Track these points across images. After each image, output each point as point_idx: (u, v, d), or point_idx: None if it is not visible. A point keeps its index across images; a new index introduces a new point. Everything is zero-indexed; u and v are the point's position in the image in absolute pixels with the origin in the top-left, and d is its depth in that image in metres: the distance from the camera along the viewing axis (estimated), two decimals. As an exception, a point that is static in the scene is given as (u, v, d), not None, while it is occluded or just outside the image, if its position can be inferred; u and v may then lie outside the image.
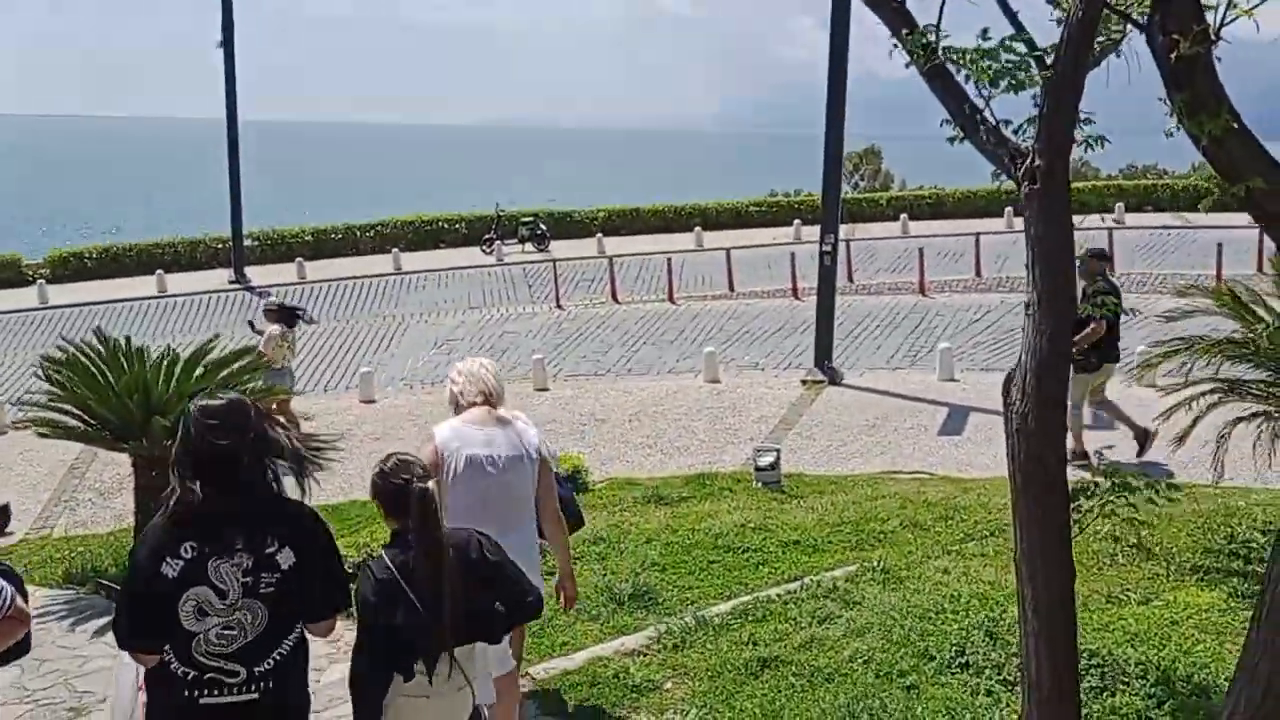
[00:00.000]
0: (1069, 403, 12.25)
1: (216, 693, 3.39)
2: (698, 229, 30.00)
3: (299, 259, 27.88)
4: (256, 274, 27.47)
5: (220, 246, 28.99)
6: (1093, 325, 9.84)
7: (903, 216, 29.34)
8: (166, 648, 3.38)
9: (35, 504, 12.43)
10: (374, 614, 3.57)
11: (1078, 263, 10.27)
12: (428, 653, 3.56)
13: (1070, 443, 10.03)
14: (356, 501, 11.44)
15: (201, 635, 3.36)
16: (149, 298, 25.77)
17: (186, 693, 3.38)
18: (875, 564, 7.58)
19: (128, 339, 9.66)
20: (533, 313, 22.31)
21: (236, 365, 9.78)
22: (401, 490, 3.69)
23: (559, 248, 28.52)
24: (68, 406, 9.32)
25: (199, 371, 9.64)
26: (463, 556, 3.70)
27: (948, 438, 12.11)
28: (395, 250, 28.53)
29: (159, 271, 27.09)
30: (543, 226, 30.01)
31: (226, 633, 3.38)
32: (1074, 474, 10.20)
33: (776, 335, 18.64)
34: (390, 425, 14.68)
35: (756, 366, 16.89)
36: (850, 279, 22.25)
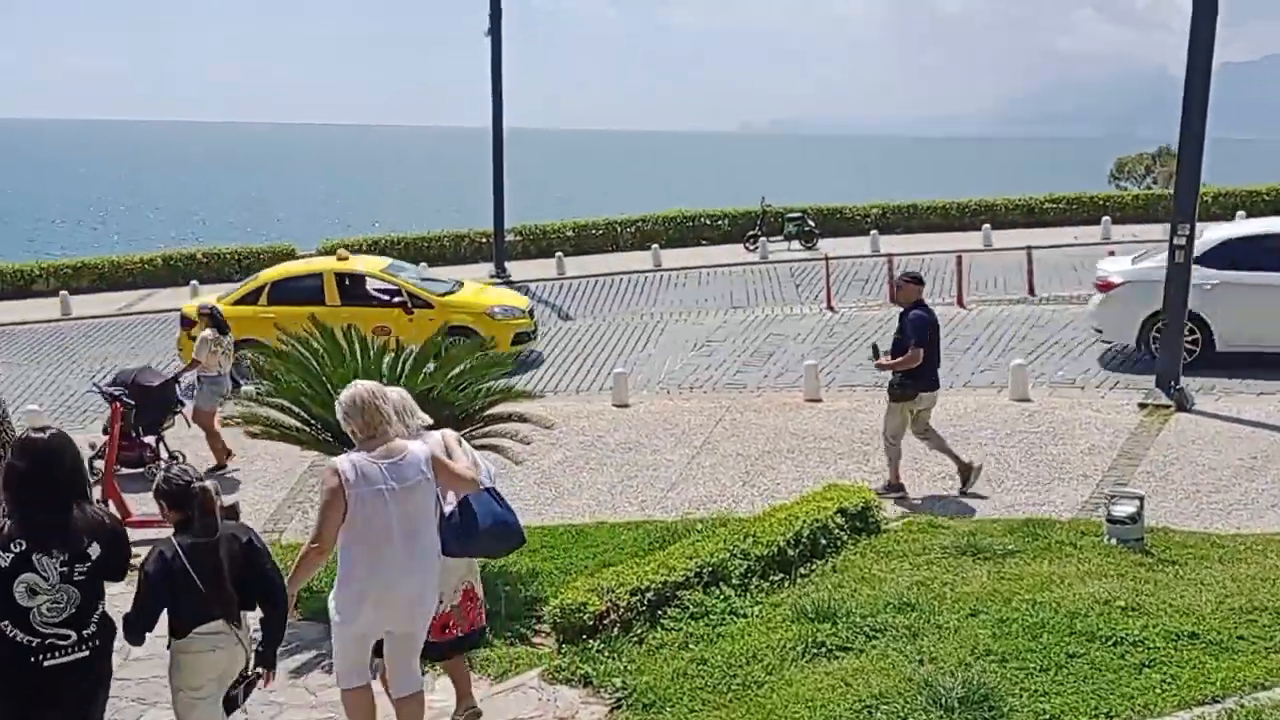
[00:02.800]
0: (886, 434, 10.19)
1: (56, 655, 4.38)
2: (985, 227, 27.06)
3: (558, 254, 26.98)
4: (517, 269, 26.76)
5: (484, 241, 28.53)
6: (910, 351, 9.69)
7: (1240, 214, 25.35)
8: (7, 621, 4.30)
9: (269, 503, 11.49)
10: (153, 584, 4.62)
11: (895, 286, 10.76)
12: (207, 617, 4.68)
13: (888, 475, 10.18)
14: (604, 524, 9.80)
15: (34, 609, 4.32)
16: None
17: (31, 658, 4.33)
18: (1336, 685, 5.14)
19: (352, 327, 8.36)
20: (801, 314, 20.26)
21: (470, 362, 8.29)
22: (185, 489, 4.72)
23: (828, 246, 26.31)
24: (282, 403, 8.09)
25: (429, 368, 8.21)
26: (232, 543, 4.77)
27: (1367, 489, 9.25)
28: (655, 247, 27.16)
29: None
30: (811, 223, 27.90)
31: (55, 606, 4.35)
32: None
33: (1093, 348, 15.80)
34: (645, 433, 13.04)
35: (1073, 384, 14.22)
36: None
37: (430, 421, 5.89)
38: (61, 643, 4.37)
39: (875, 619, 6.68)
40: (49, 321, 23.47)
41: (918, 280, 10.20)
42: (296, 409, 8.01)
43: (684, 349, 18.29)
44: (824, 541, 8.12)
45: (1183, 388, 12.45)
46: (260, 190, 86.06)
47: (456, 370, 8.27)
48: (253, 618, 4.96)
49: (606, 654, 6.61)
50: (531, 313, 18.33)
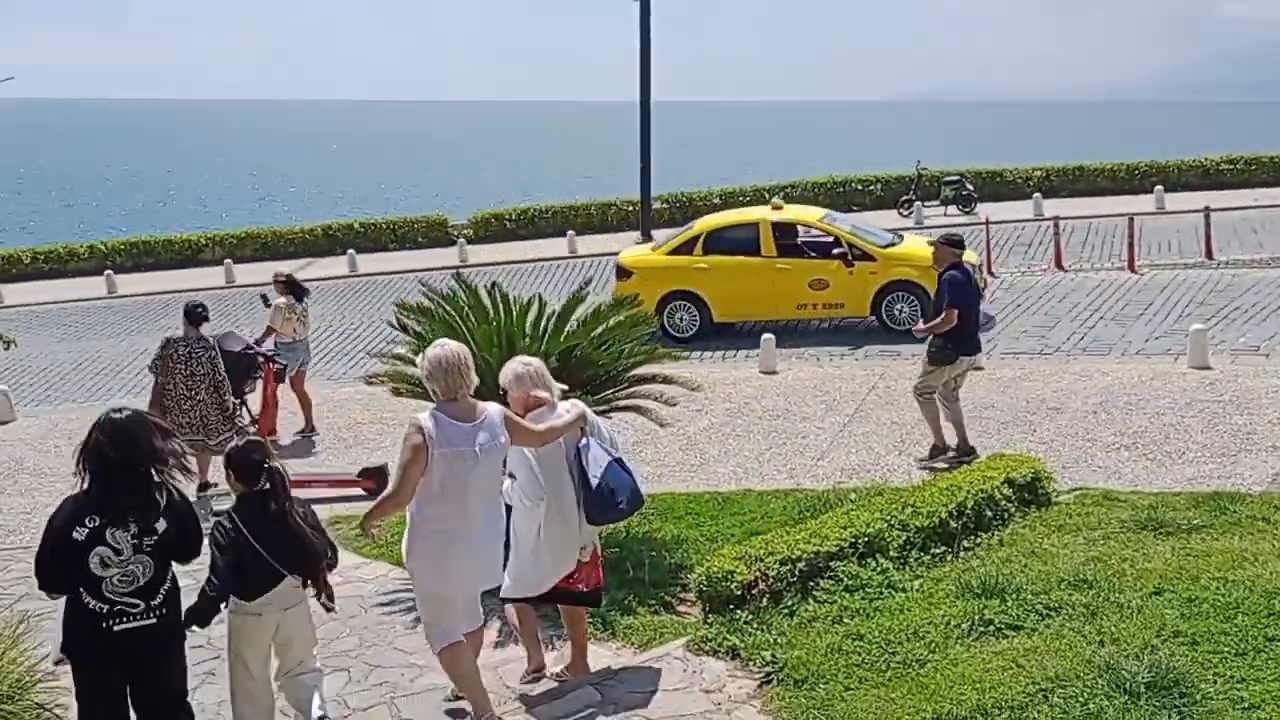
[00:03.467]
0: (935, 398, 9.88)
1: (124, 620, 4.65)
2: (1158, 189, 25.51)
3: (704, 221, 26.63)
4: (663, 237, 26.48)
5: (630, 209, 28.42)
6: (944, 313, 9.58)
7: None
8: (82, 589, 4.60)
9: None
10: (224, 555, 5.02)
11: (930, 249, 10.52)
12: (267, 587, 5.09)
13: (951, 438, 9.91)
14: (751, 492, 9.47)
15: (107, 579, 4.60)
16: (559, 258, 25.51)
17: (102, 624, 4.62)
18: None
19: (495, 284, 8.20)
20: (960, 280, 19.41)
21: (612, 321, 8.04)
22: (259, 465, 5.13)
23: (987, 210, 25.19)
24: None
25: (570, 327, 8.00)
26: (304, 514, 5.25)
27: None
28: (805, 213, 26.53)
29: (570, 233, 26.87)
30: (969, 186, 26.78)
31: (125, 578, 4.63)
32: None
33: (1278, 314, 14.65)
34: (793, 400, 12.63)
35: (1258, 351, 13.17)
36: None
37: (564, 389, 5.99)
38: (130, 610, 4.63)
39: (1048, 596, 6.19)
40: (213, 289, 24.31)
41: (952, 242, 10.02)
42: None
43: (835, 315, 17.73)
44: (989, 513, 7.61)
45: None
46: (407, 164, 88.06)
47: (600, 329, 8.03)
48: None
49: (755, 625, 6.30)
50: (981, 268, 16.26)
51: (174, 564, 4.81)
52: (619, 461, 5.81)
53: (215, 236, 28.93)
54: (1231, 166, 27.74)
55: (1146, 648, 5.38)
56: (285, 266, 27.19)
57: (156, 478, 4.71)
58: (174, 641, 4.86)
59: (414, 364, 8.09)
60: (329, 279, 24.32)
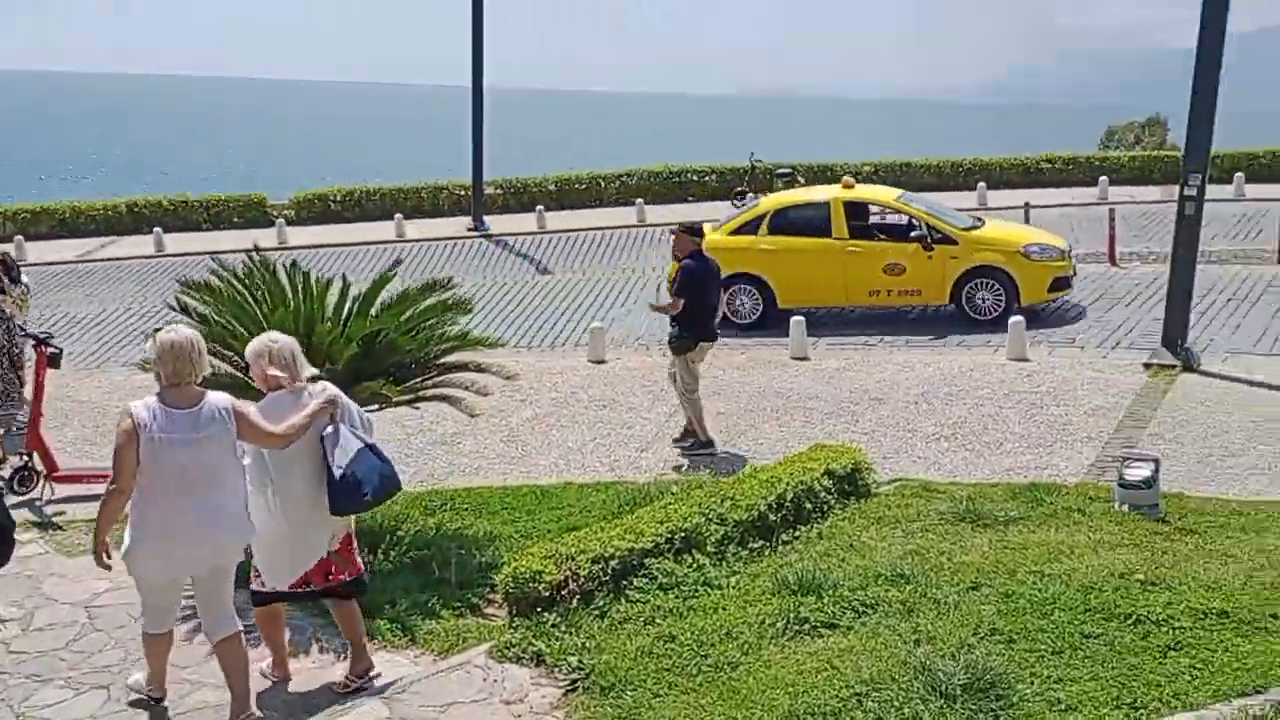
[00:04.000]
0: (682, 389, 10.00)
1: None
2: (981, 185, 26.28)
3: (539, 208, 26.12)
4: (496, 223, 25.92)
5: (463, 194, 27.64)
6: (671, 300, 9.76)
7: (1237, 177, 24.54)
8: None
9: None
10: None
11: (671, 238, 10.40)
12: None
13: (694, 427, 9.94)
14: (571, 485, 9.07)
15: None
16: (388, 241, 24.61)
17: None
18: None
19: (294, 263, 7.56)
20: (790, 271, 19.47)
21: (422, 305, 7.50)
22: None
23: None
24: (215, 347, 7.28)
25: (374, 310, 7.43)
26: None
27: (1393, 455, 8.55)
28: (640, 202, 26.31)
29: (398, 216, 25.96)
30: (802, 180, 27.01)
31: None
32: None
33: (1094, 307, 15.11)
34: (620, 390, 12.29)
35: (1073, 343, 13.50)
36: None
37: (316, 373, 5.77)
38: None
39: (865, 592, 5.97)
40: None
41: (692, 231, 10.07)
42: (229, 354, 7.21)
43: (666, 304, 17.52)
44: (809, 506, 7.40)
45: (1189, 347, 11.76)
46: (235, 146, 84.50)
47: (409, 313, 7.48)
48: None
49: (563, 629, 5.89)
50: (1069, 254, 15.28)
51: None
52: (371, 448, 5.56)
53: (5, 211, 26.81)
54: (1050, 165, 28.78)
55: (963, 647, 5.19)
56: (89, 243, 25.60)
57: None
58: None
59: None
60: (132, 258, 22.86)
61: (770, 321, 15.18)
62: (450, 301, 7.70)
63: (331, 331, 7.05)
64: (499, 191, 28.33)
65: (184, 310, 7.28)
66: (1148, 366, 11.67)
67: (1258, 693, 4.57)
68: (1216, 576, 5.84)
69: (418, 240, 24.61)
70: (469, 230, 25.18)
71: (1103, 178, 25.99)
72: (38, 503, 9.20)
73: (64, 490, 9.28)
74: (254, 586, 5.74)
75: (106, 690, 5.91)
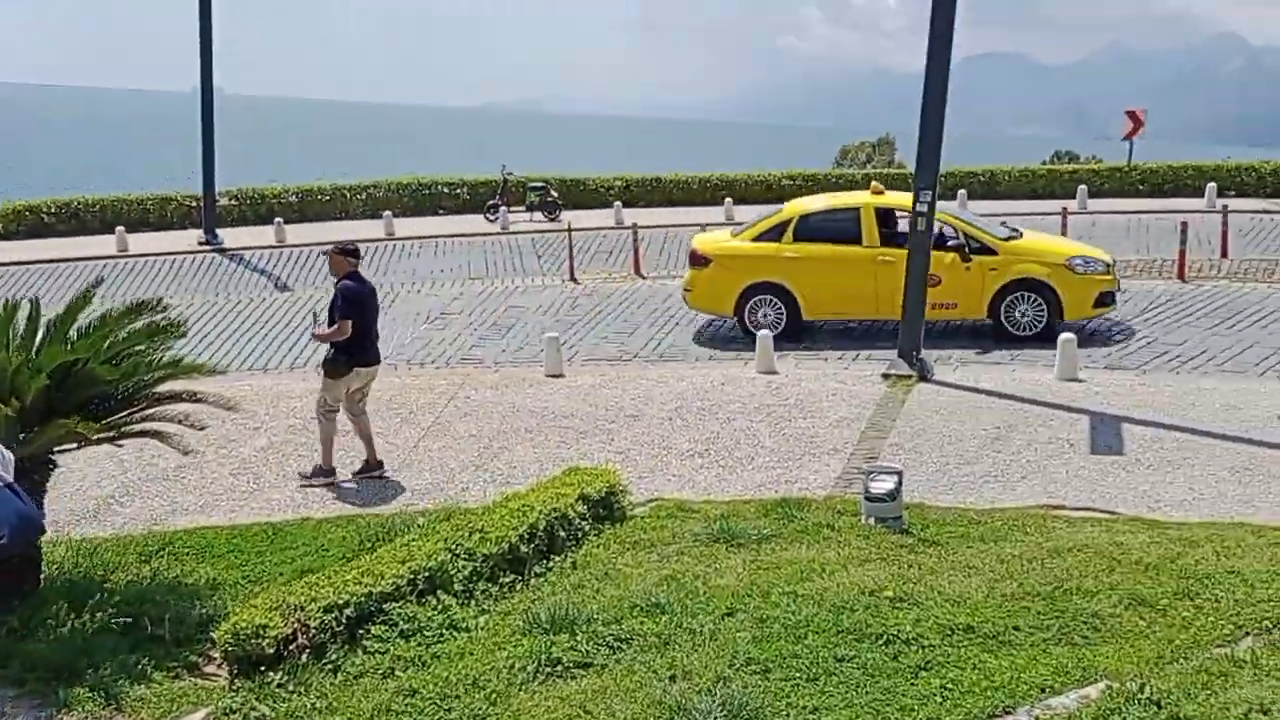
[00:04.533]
0: (319, 412, 9.79)
1: None
2: (727, 201, 26.93)
3: (278, 220, 24.82)
4: (231, 236, 24.44)
5: (194, 205, 25.96)
6: (338, 324, 9.42)
7: (960, 194, 26.17)
8: None
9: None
10: None
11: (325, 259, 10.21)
12: None
13: (319, 457, 9.60)
14: (309, 521, 8.41)
15: None
16: (108, 257, 22.76)
17: None
18: (1133, 687, 4.55)
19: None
20: (543, 285, 19.24)
21: (125, 330, 6.71)
22: None
23: (571, 218, 25.39)
24: None
25: (72, 336, 6.59)
26: None
27: (1108, 458, 9.03)
28: (388, 215, 25.47)
29: (119, 229, 24.05)
30: (554, 194, 26.93)
31: None
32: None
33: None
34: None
35: (818, 355, 13.84)
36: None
37: None
38: None
39: (620, 626, 5.70)
40: None
41: (347, 252, 9.85)
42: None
43: (415, 322, 16.90)
44: (563, 534, 7.09)
45: (924, 358, 12.22)
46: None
47: (111, 339, 6.67)
48: None
49: (290, 688, 5.33)
50: (1113, 267, 14.45)
51: None
52: (10, 487, 5.24)
53: None
54: (791, 181, 29.83)
55: (719, 680, 5.00)
56: None
57: None
58: None
59: None
60: None
61: (794, 334, 14.45)
62: (161, 324, 6.93)
63: (15, 360, 6.17)
64: (234, 203, 26.82)
65: None
66: (886, 377, 12.05)
67: (1006, 713, 4.57)
68: (961, 590, 5.91)
69: (142, 255, 22.89)
70: (200, 244, 23.66)
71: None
72: None
73: None
74: None
75: None
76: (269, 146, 78.40)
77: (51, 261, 21.83)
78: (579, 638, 5.59)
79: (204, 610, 6.61)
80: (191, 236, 24.22)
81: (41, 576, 6.67)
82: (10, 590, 6.41)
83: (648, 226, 23.13)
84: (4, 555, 5.32)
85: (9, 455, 5.43)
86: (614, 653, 5.49)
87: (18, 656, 5.87)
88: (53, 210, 25.82)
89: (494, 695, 5.13)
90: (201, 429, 7.25)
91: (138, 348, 6.83)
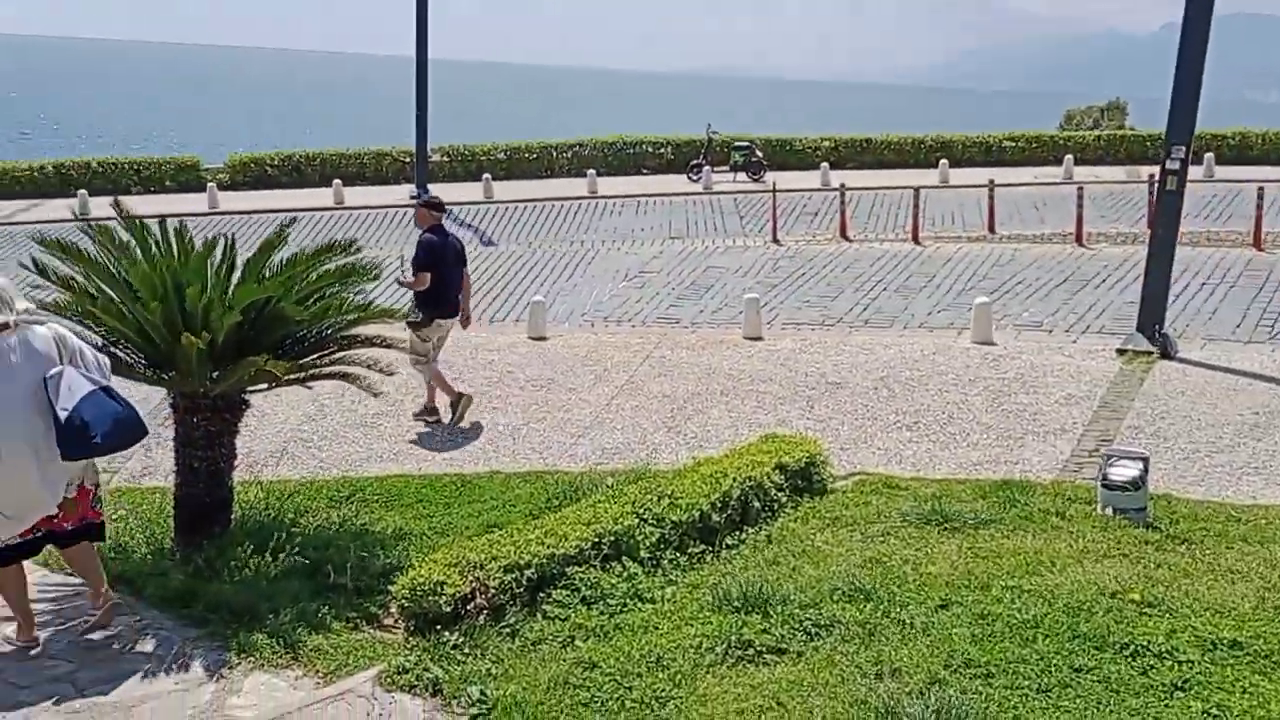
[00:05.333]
0: (411, 359, 9.53)
1: None
2: (943, 163, 25.58)
3: (486, 176, 25.08)
4: (440, 191, 24.80)
5: (406, 160, 26.54)
6: (417, 275, 9.54)
7: (1208, 158, 24.01)
8: None
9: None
10: None
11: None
12: None
13: (426, 398, 9.83)
14: (497, 475, 8.19)
15: None
16: (326, 208, 23.50)
17: None
18: None
19: (163, 220, 6.58)
20: (744, 246, 18.66)
21: (316, 272, 6.55)
22: None
23: (775, 179, 24.66)
24: (71, 306, 6.31)
25: (266, 272, 6.46)
26: None
27: (1395, 454, 7.84)
28: (591, 173, 25.36)
29: (336, 182, 24.80)
30: (759, 154, 26.22)
31: None
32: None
33: (1060, 289, 14.42)
34: (561, 369, 11.39)
35: (1040, 327, 12.79)
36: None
37: (32, 308, 5.41)
38: None
39: (819, 611, 5.14)
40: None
41: (431, 205, 10.07)
42: (90, 322, 6.24)
43: (614, 280, 16.65)
44: (758, 504, 6.58)
45: (1167, 333, 11.05)
46: (172, 112, 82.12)
47: (302, 281, 6.51)
48: None
49: (466, 651, 5.02)
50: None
51: None
52: (107, 390, 5.24)
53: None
54: (1013, 144, 28.17)
55: (933, 682, 4.39)
56: (8, 206, 24.20)
57: None
58: None
59: (59, 313, 6.40)
60: (54, 222, 21.50)
61: None
62: (353, 266, 6.73)
63: (207, 296, 6.07)
64: (446, 159, 27.31)
65: (40, 272, 6.27)
66: (1121, 353, 10.96)
67: (1291, 753, 3.80)
68: (1223, 598, 5.08)
69: (357, 208, 23.52)
70: (411, 198, 24.09)
71: (1068, 156, 25.39)
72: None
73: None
74: None
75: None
76: (471, 110, 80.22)
77: (272, 211, 22.63)
78: (773, 620, 5.07)
79: (387, 560, 6.41)
80: (403, 191, 24.75)
81: (232, 517, 6.62)
82: (201, 529, 6.38)
83: (856, 188, 22.19)
84: (102, 454, 5.39)
85: (104, 360, 5.47)
86: (812, 640, 4.94)
87: (203, 596, 5.79)
88: (276, 163, 26.89)
89: (678, 676, 4.67)
90: (392, 374, 7.06)
91: (330, 289, 6.65)
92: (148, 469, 8.84)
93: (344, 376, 6.76)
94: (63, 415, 5.04)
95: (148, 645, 5.43)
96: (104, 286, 6.36)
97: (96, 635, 5.47)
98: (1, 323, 5.13)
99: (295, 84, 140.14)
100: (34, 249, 6.44)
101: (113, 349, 6.42)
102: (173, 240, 6.44)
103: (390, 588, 5.91)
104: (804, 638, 4.95)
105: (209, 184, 24.69)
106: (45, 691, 4.98)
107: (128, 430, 5.27)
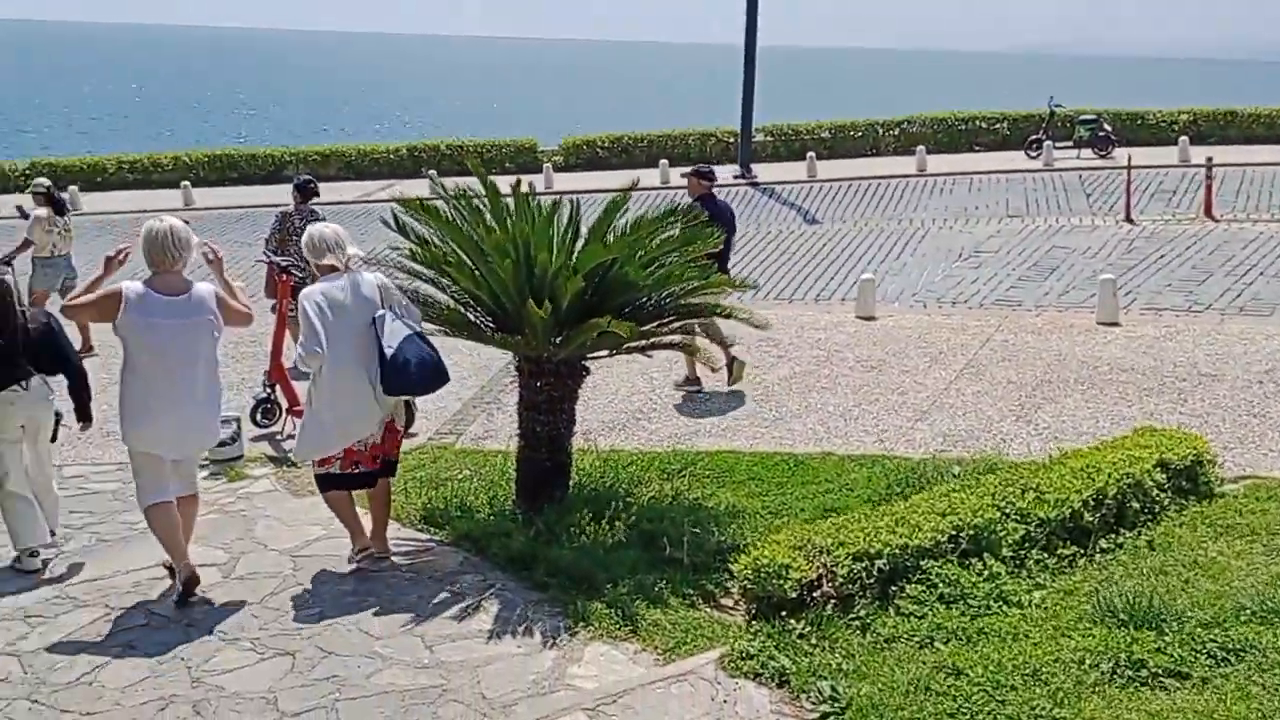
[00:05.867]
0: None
1: None
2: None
3: (810, 155, 24.63)
4: (764, 170, 24.65)
5: (731, 140, 26.51)
6: None
7: None
8: None
9: (456, 401, 10.02)
10: None
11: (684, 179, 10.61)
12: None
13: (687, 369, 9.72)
14: (831, 457, 7.80)
15: None
16: (651, 189, 23.79)
17: None
18: None
19: (518, 181, 6.62)
20: (1092, 225, 17.23)
21: (659, 237, 6.38)
22: None
23: (1126, 154, 22.68)
24: (422, 270, 6.47)
25: (610, 238, 6.37)
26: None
27: None
28: (920, 150, 24.32)
29: (663, 163, 25.10)
30: (1107, 128, 24.23)
31: None
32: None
33: None
34: (892, 350, 10.83)
35: None
36: None
37: (360, 254, 5.95)
38: None
39: (1224, 631, 4.44)
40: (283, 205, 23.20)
41: (702, 175, 10.29)
42: (444, 281, 6.37)
43: (947, 259, 15.80)
44: (1136, 505, 5.86)
45: None
46: (505, 99, 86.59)
47: (645, 245, 6.36)
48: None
49: (814, 641, 4.69)
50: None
51: None
52: (420, 335, 5.78)
53: (299, 153, 27.88)
54: None
55: (1389, 734, 3.61)
56: (369, 186, 26.21)
57: None
58: None
59: (409, 272, 6.59)
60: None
61: None
62: (694, 233, 6.53)
63: (556, 263, 6.04)
64: (769, 139, 27.07)
65: (400, 230, 6.47)
66: None
67: None
68: None
69: (681, 188, 23.69)
70: (735, 178, 24.05)
71: None
72: (278, 437, 8.82)
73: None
74: (316, 471, 5.97)
75: (292, 658, 5.18)
76: (790, 93, 79.63)
77: (603, 191, 23.17)
78: (1168, 639, 4.42)
79: (722, 538, 6.19)
80: (728, 171, 24.73)
81: (570, 483, 6.61)
82: (541, 494, 6.40)
83: (1222, 165, 20.01)
84: (416, 394, 5.93)
85: (416, 310, 5.98)
86: (1219, 665, 4.26)
87: (543, 560, 5.79)
88: (606, 144, 27.60)
89: (1059, 694, 4.13)
90: (731, 345, 6.81)
91: (670, 257, 6.48)
92: (489, 432, 9.07)
93: (684, 347, 6.59)
94: (389, 352, 5.57)
95: (492, 606, 5.46)
96: (456, 249, 6.48)
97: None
98: (330, 265, 5.75)
99: (600, 74, 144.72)
100: (396, 208, 6.63)
101: (463, 310, 6.57)
102: (524, 205, 6.47)
103: (728, 566, 5.66)
104: (1209, 662, 4.28)
105: (544, 165, 25.68)
106: (400, 645, 5.10)
107: (438, 374, 5.77)
